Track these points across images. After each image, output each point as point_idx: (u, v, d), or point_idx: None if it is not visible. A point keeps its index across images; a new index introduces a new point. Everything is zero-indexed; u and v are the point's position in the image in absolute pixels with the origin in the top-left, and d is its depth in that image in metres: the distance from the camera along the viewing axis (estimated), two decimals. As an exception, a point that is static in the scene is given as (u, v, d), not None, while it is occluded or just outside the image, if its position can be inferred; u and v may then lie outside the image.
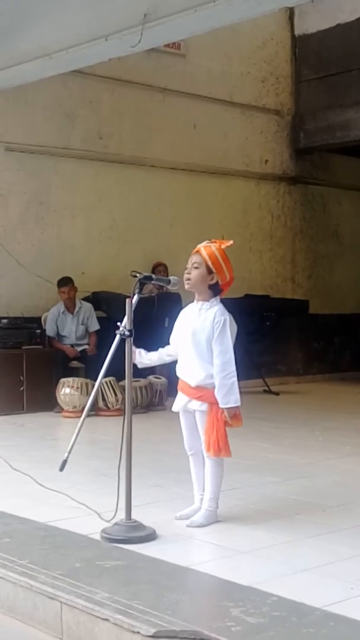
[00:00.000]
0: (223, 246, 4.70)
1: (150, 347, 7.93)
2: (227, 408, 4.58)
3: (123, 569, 3.95)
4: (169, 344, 4.90)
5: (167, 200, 11.55)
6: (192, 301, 4.85)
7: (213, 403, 4.63)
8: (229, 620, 3.30)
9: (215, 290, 4.72)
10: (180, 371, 4.79)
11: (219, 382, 4.59)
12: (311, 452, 7.18)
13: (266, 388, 11.50)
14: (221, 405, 4.59)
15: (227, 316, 4.67)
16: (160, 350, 4.90)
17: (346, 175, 13.91)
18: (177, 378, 4.83)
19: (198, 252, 4.70)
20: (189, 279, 4.69)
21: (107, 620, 3.35)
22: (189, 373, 4.71)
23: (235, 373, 4.61)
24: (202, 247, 4.71)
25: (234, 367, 4.62)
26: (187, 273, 4.69)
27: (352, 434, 8.08)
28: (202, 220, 11.49)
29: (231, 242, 4.74)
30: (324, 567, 4.00)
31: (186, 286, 4.73)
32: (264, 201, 12.91)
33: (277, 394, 11.40)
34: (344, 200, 14.01)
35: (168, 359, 4.91)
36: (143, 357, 4.83)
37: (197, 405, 4.69)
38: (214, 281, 4.69)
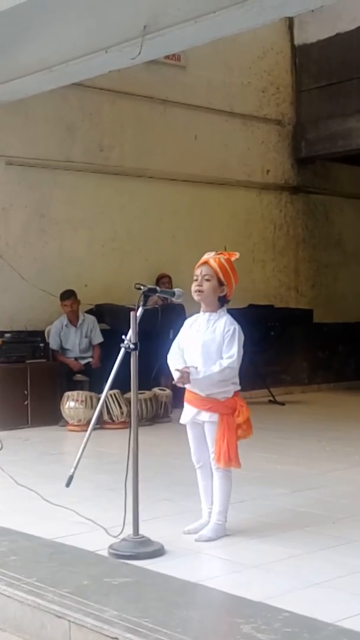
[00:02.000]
0: (232, 259, 4.68)
1: (155, 359, 7.90)
2: (195, 379, 4.52)
3: (132, 586, 3.90)
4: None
5: (169, 211, 11.53)
6: (196, 312, 4.82)
7: (223, 414, 4.60)
8: (240, 637, 3.24)
9: (222, 301, 4.72)
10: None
11: (215, 370, 4.54)
12: (319, 462, 7.13)
13: (272, 398, 11.44)
14: (194, 377, 4.52)
15: (237, 326, 4.66)
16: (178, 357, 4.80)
17: (348, 184, 13.89)
18: (183, 389, 4.78)
19: (207, 263, 4.67)
20: (200, 291, 4.66)
21: (116, 639, 3.30)
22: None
23: (229, 371, 4.56)
24: (211, 259, 4.69)
25: (234, 374, 4.60)
26: (198, 285, 4.67)
27: (359, 443, 8.02)
28: (205, 231, 11.47)
29: (237, 255, 4.72)
30: (335, 581, 3.95)
31: (196, 297, 4.70)
32: (266, 211, 12.88)
33: (282, 404, 11.35)
34: (347, 209, 13.98)
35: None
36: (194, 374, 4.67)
37: (206, 417, 4.65)
38: (223, 293, 4.70)
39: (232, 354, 4.59)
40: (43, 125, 10.43)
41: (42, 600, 3.69)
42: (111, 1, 7.40)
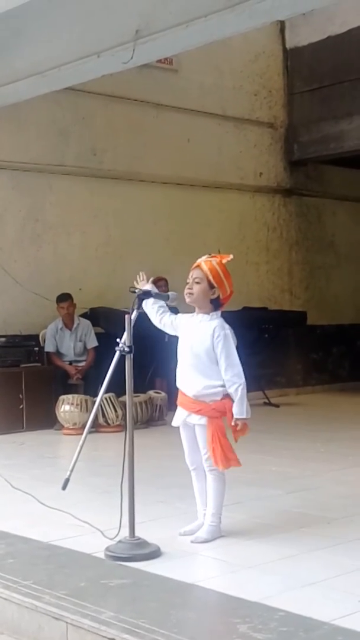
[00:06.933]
0: (224, 261, 4.71)
1: (150, 362, 7.91)
2: (240, 419, 4.58)
3: (128, 588, 3.92)
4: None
5: (162, 214, 11.55)
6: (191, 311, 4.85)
7: (212, 417, 4.63)
8: (236, 637, 3.27)
9: (215, 304, 4.74)
10: (179, 383, 4.81)
11: (233, 395, 4.61)
12: (313, 463, 7.15)
13: (266, 400, 11.46)
14: (236, 416, 4.59)
15: (228, 330, 4.67)
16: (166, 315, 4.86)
17: (341, 186, 13.92)
18: (177, 392, 4.82)
19: (199, 266, 4.71)
20: (191, 293, 4.70)
21: (113, 639, 3.32)
22: (187, 384, 4.73)
23: (244, 385, 4.63)
24: (202, 261, 4.72)
25: (243, 380, 4.64)
26: (189, 288, 4.71)
27: (354, 444, 8.04)
28: (198, 234, 11.49)
29: (231, 256, 4.75)
30: (330, 580, 3.97)
31: (187, 300, 4.74)
32: (259, 214, 12.92)
33: (277, 405, 11.37)
34: (339, 211, 14.02)
35: (161, 321, 4.87)
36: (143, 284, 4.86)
37: (196, 419, 4.69)
38: (215, 295, 4.71)
39: (229, 362, 4.61)
40: (36, 129, 10.45)
41: (40, 602, 3.71)
42: (103, 6, 7.43)
